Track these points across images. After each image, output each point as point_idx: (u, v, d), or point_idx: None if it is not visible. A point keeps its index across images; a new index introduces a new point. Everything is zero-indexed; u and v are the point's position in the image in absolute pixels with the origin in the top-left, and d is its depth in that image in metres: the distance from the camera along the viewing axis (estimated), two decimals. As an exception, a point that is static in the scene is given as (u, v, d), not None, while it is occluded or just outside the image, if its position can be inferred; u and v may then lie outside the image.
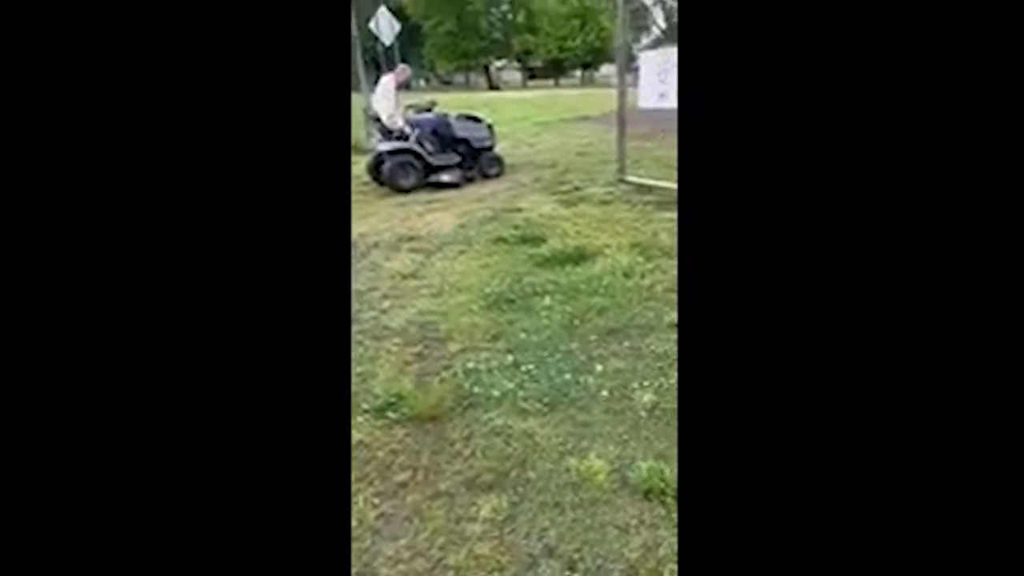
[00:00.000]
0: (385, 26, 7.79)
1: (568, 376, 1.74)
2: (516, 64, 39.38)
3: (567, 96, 19.83)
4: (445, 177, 4.77)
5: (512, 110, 13.41)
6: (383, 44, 7.85)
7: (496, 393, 1.66)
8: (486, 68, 37.39)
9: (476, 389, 1.69)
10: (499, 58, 38.60)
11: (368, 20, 7.83)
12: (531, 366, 1.81)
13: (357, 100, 7.39)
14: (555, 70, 35.73)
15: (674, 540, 1.11)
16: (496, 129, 5.30)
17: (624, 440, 1.43)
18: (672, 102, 3.92)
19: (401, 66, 5.04)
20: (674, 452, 1.37)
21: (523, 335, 2.03)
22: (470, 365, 1.83)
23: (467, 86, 37.18)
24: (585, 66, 35.91)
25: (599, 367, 1.78)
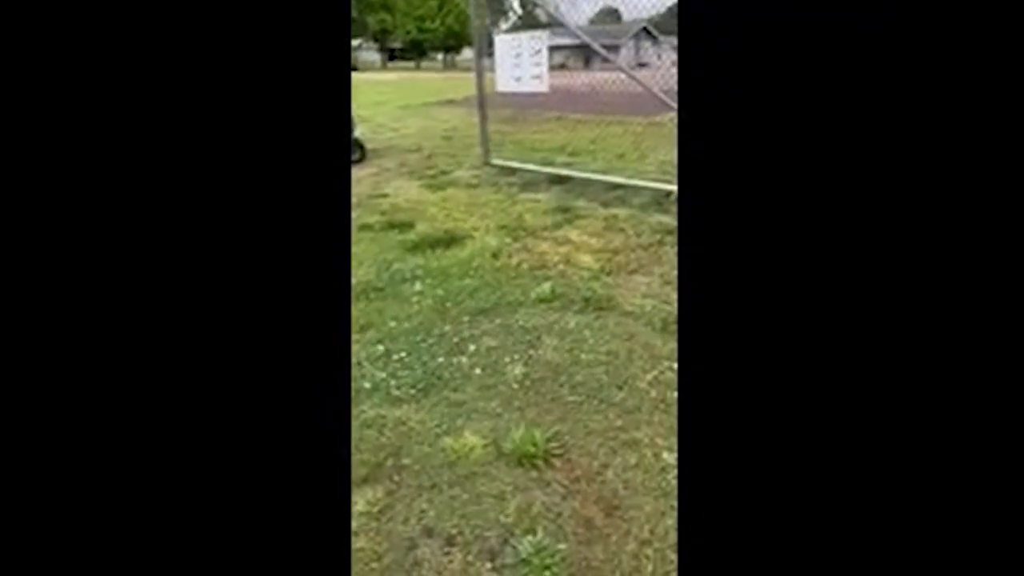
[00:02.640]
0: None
1: (441, 359, 1.74)
2: (374, 44, 37.61)
3: (429, 79, 19.50)
4: (301, 163, 4.42)
5: (372, 93, 12.84)
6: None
7: (367, 385, 1.61)
8: (341, 47, 35.13)
9: (345, 383, 1.62)
10: (354, 37, 36.50)
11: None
12: (403, 353, 1.78)
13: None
14: (416, 52, 34.85)
15: (546, 499, 1.19)
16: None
17: (497, 414, 1.48)
18: (526, 86, 4.06)
19: None
20: (545, 418, 1.45)
21: (393, 323, 1.98)
22: (338, 359, 1.75)
23: (322, 66, 34.65)
24: (447, 49, 35.54)
25: (471, 347, 1.81)
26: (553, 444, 1.34)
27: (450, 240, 2.80)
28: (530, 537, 1.09)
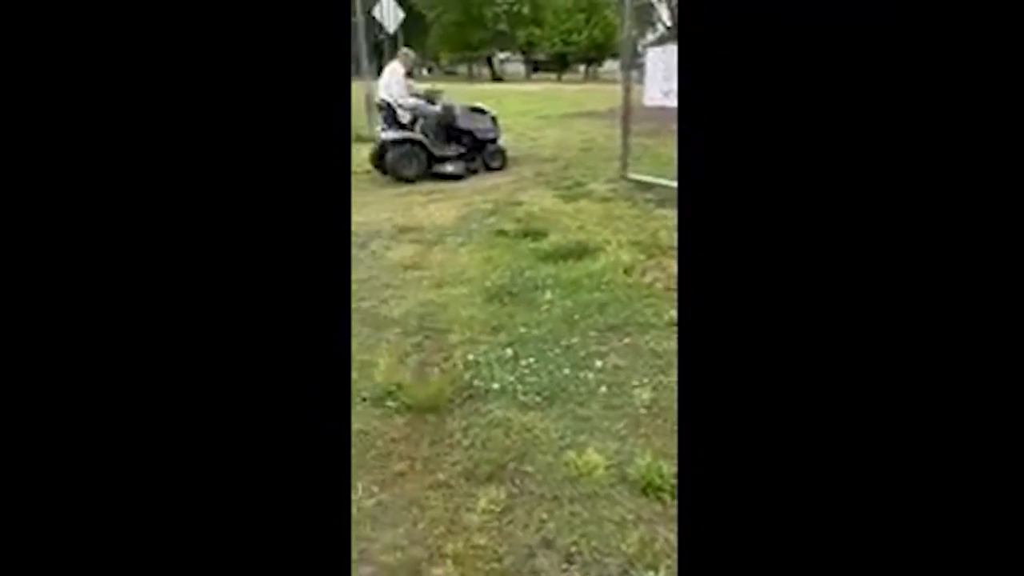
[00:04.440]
0: (389, 14, 7.73)
1: (567, 371, 1.74)
2: (520, 56, 39.14)
3: (571, 90, 19.76)
4: (448, 168, 4.75)
5: (515, 103, 13.35)
6: (386, 32, 7.79)
7: (496, 386, 1.67)
8: (489, 60, 37.16)
9: (476, 381, 1.70)
10: (503, 50, 38.34)
11: (372, 8, 7.77)
12: (531, 360, 1.81)
13: (359, 88, 7.35)
14: (559, 64, 35.53)
15: (671, 536, 1.12)
16: (499, 122, 5.28)
17: (623, 436, 1.43)
18: (676, 100, 3.91)
19: (404, 50, 4.99)
20: (673, 450, 1.37)
21: (523, 329, 2.03)
22: (470, 357, 1.83)
23: (470, 77, 36.96)
24: (589, 61, 35.71)
25: (598, 363, 1.79)
26: (681, 479, 1.27)
27: (582, 252, 2.80)
28: (651, 573, 1.04)
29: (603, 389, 1.65)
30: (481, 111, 5.02)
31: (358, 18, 7.35)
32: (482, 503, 1.22)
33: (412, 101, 4.68)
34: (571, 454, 1.36)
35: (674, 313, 2.09)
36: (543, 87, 23.36)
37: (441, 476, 1.31)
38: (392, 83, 4.65)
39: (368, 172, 4.97)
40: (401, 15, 7.88)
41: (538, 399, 1.60)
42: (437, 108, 4.86)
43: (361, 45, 7.38)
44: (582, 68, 36.79)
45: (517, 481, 1.28)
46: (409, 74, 4.79)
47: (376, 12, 7.72)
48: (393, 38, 7.73)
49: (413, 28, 23.05)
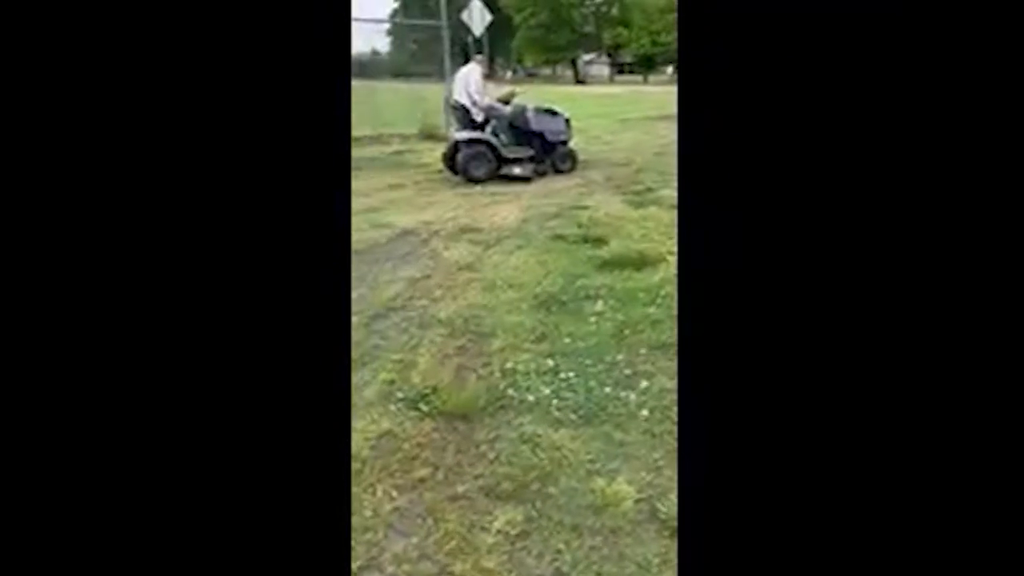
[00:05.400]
0: (477, 17, 7.87)
1: (608, 389, 1.65)
2: (605, 59, 38.58)
3: (655, 93, 19.14)
4: (517, 170, 4.74)
5: (594, 106, 13.14)
6: (473, 35, 7.94)
7: (531, 398, 1.61)
8: (573, 62, 36.93)
9: (511, 391, 1.64)
10: (588, 52, 37.96)
11: (460, 10, 7.95)
12: (571, 374, 1.73)
13: (440, 89, 7.55)
14: (645, 66, 34.57)
15: (698, 588, 1.01)
16: (575, 124, 5.19)
17: (658, 467, 1.32)
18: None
19: (478, 56, 5.08)
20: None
21: (567, 340, 1.95)
22: (509, 365, 1.79)
23: (553, 78, 36.95)
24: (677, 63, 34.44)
25: (644, 383, 1.67)
26: (719, 525, 1.14)
27: (642, 262, 2.66)
28: (670, 629, 0.93)
29: (644, 412, 1.53)
30: (553, 112, 4.96)
31: (443, 22, 7.56)
32: (498, 523, 1.16)
33: (487, 102, 4.73)
34: (599, 481, 1.27)
35: (736, 336, 1.91)
36: (627, 89, 22.88)
37: (461, 488, 1.27)
38: (469, 84, 4.72)
39: (440, 171, 5.08)
40: (489, 18, 7.99)
41: (573, 416, 1.52)
42: (509, 109, 4.86)
43: (445, 49, 7.58)
44: (669, 70, 35.56)
45: (538, 503, 1.22)
46: (486, 77, 4.85)
47: (464, 15, 7.88)
48: (479, 41, 7.86)
49: (499, 31, 23.46)
